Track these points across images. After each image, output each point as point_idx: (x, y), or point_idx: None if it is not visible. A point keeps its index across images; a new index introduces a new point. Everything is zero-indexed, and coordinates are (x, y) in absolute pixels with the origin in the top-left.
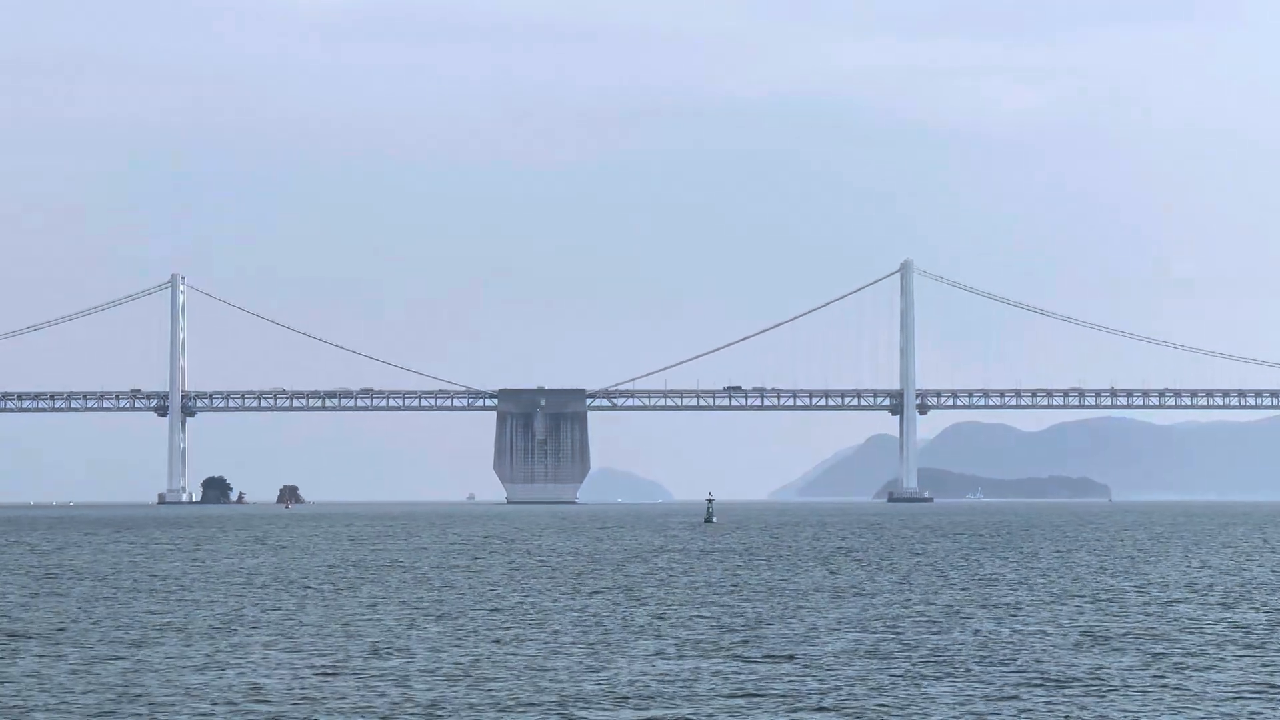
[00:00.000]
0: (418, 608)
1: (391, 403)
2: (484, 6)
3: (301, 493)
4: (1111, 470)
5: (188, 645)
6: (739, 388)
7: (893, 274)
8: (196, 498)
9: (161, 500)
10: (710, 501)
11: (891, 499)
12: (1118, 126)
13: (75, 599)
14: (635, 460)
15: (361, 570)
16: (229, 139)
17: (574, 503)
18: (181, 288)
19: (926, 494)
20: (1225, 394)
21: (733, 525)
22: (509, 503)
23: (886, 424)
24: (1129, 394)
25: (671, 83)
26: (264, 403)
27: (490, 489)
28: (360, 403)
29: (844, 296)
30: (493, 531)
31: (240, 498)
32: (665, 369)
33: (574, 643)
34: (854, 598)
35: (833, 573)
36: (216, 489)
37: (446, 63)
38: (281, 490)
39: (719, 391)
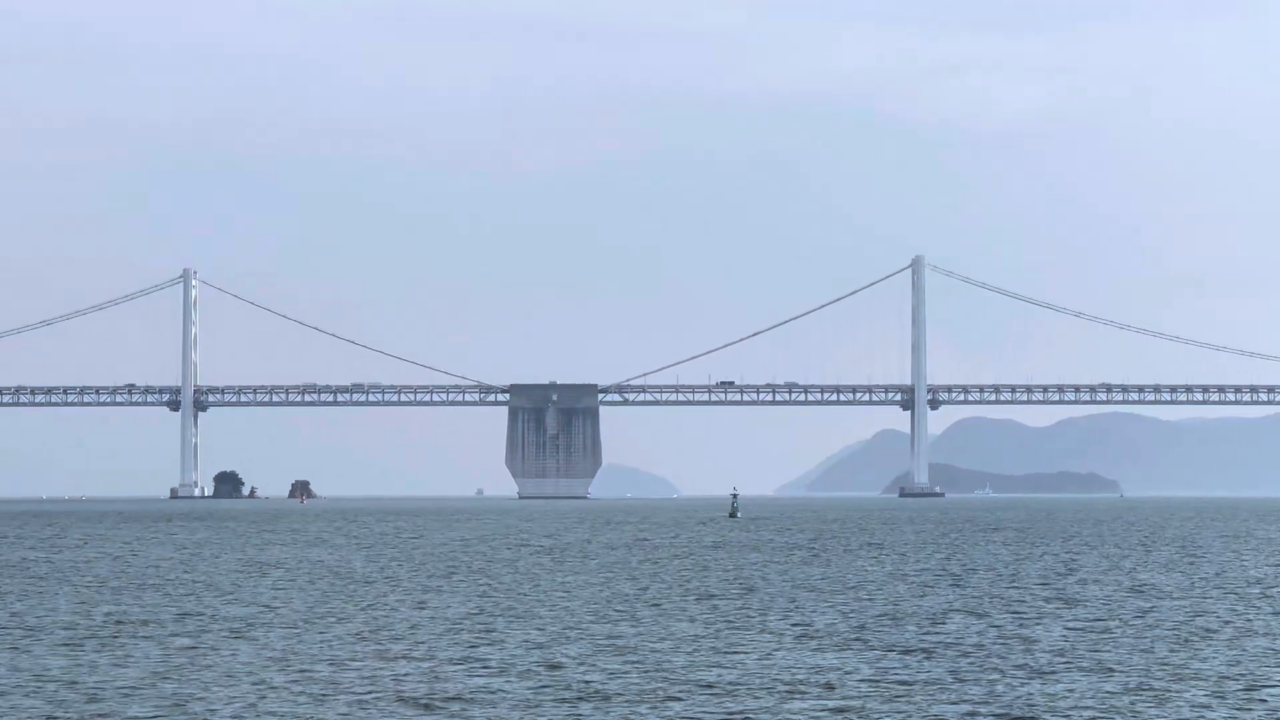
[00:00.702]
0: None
1: (404, 398)
2: (490, 4)
3: (313, 487)
4: (1118, 466)
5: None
6: (731, 383)
7: (904, 270)
8: (208, 492)
9: (174, 495)
10: (735, 496)
11: (903, 494)
12: (1126, 122)
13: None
14: (641, 456)
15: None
16: (241, 135)
17: (585, 498)
18: (194, 283)
19: (938, 489)
20: (1238, 389)
21: (760, 520)
22: (520, 498)
23: (893, 420)
24: (1140, 390)
25: (682, 80)
26: (275, 398)
27: (498, 484)
28: (372, 398)
29: (855, 292)
30: (581, 528)
31: (252, 492)
32: (677, 364)
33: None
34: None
35: (950, 566)
36: (228, 484)
37: (458, 60)
38: (293, 485)
39: (715, 386)
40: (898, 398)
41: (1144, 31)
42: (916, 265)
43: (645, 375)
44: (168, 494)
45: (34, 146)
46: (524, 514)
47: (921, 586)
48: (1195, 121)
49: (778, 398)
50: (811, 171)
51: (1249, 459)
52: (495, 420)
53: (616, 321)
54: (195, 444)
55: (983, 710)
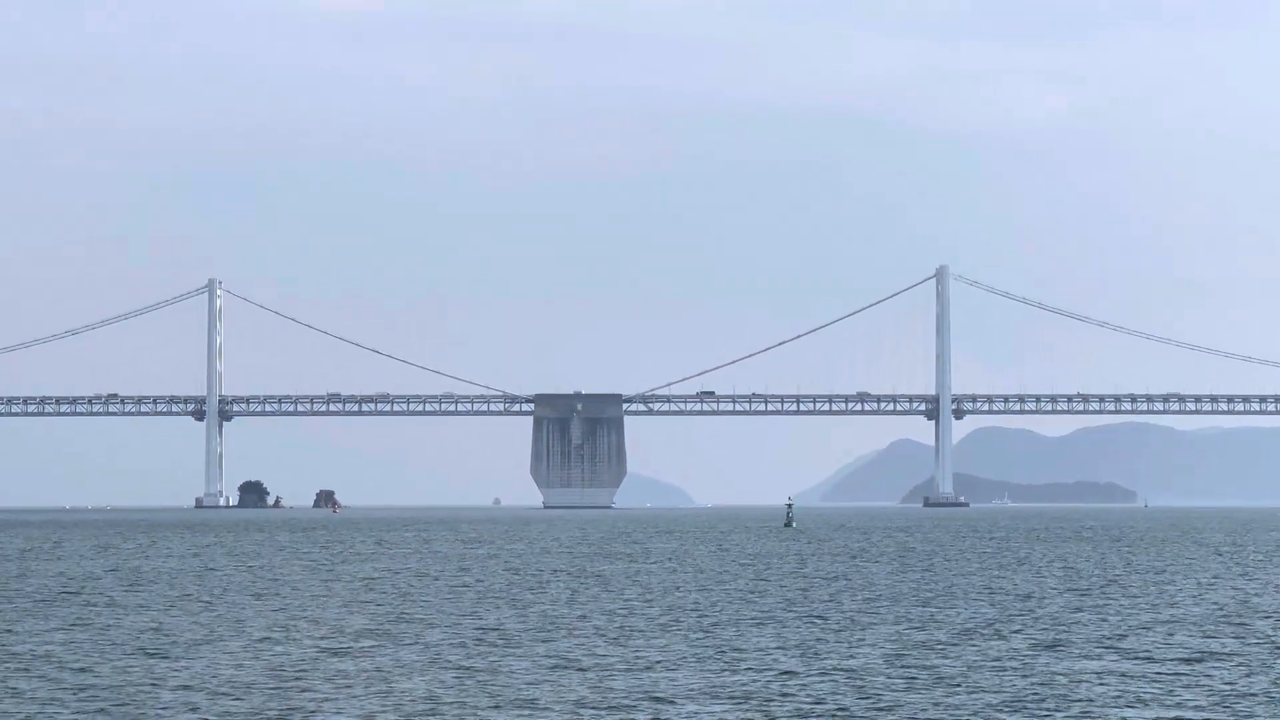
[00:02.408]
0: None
1: (428, 407)
2: (515, 15)
3: (337, 497)
4: (1134, 476)
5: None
6: (711, 392)
7: (928, 279)
8: (233, 502)
9: (199, 504)
10: (790, 506)
11: (927, 503)
12: (1145, 129)
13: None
14: (656, 465)
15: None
16: (267, 145)
17: (610, 507)
18: (219, 292)
19: (962, 499)
20: (1262, 399)
21: (816, 530)
22: (545, 507)
23: (907, 430)
24: (1164, 399)
25: (707, 87)
26: (300, 407)
27: (519, 494)
28: (397, 407)
29: (879, 302)
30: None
31: (277, 502)
32: (701, 374)
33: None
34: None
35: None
36: (254, 493)
37: (484, 68)
38: (318, 494)
39: (692, 397)
40: (922, 407)
41: (1162, 39)
42: (941, 275)
43: (669, 385)
44: (193, 504)
45: (59, 157)
46: (577, 524)
47: (1163, 600)
48: (1214, 129)
49: (802, 408)
50: (835, 180)
51: (1266, 469)
52: (517, 430)
53: (641, 331)
54: (220, 454)
55: None
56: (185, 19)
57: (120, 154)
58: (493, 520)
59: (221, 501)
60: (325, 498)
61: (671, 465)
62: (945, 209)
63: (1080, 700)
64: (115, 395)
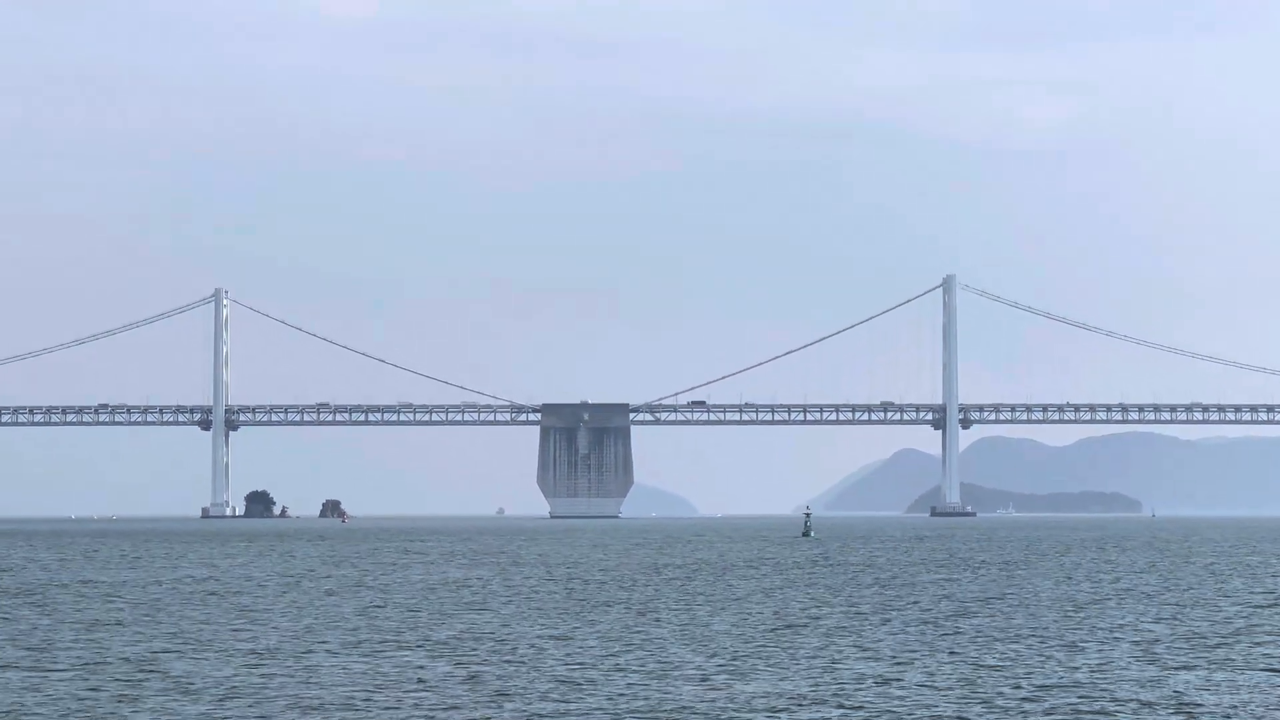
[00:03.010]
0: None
1: (435, 417)
2: (522, 24)
3: (344, 507)
4: (1138, 485)
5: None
6: (702, 403)
7: (934, 289)
8: (239, 512)
9: (205, 514)
10: (808, 515)
11: (934, 513)
12: (1152, 138)
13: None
14: (660, 475)
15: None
16: (273, 154)
17: (617, 517)
18: (225, 302)
19: (969, 508)
20: (1270, 409)
21: (832, 539)
22: (552, 517)
23: (911, 439)
24: (1172, 409)
25: (712, 96)
26: (307, 417)
27: (525, 503)
28: (404, 417)
29: (885, 312)
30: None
31: (283, 512)
32: (708, 383)
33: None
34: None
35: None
36: (260, 503)
37: (490, 77)
38: (324, 504)
39: (683, 407)
40: (929, 417)
41: (1167, 48)
42: (948, 284)
43: (676, 395)
44: (199, 514)
45: (64, 166)
46: (601, 533)
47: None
48: (1220, 137)
49: (809, 417)
50: (842, 189)
51: (1269, 478)
52: (523, 440)
53: (647, 340)
54: (226, 463)
55: None
56: (193, 28)
57: (125, 163)
58: (515, 532)
59: (228, 511)
60: (331, 508)
61: (674, 475)
62: (951, 218)
63: None
64: (122, 405)
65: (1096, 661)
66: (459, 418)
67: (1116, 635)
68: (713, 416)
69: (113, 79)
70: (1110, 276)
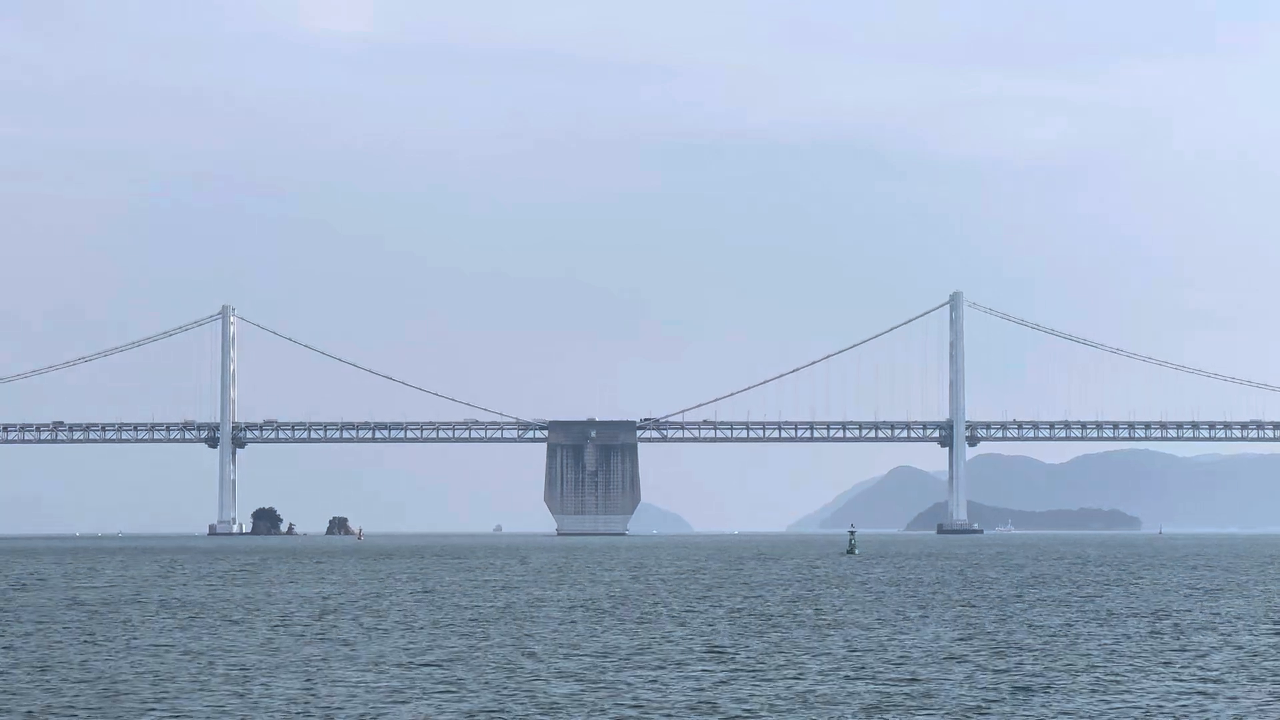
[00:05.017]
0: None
1: (442, 434)
2: (521, 47)
3: (350, 524)
4: (1136, 503)
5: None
6: (697, 423)
7: (941, 306)
8: (246, 529)
9: (212, 531)
10: (853, 533)
11: (941, 530)
12: (1158, 157)
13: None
14: (658, 492)
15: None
16: (279, 172)
17: (624, 534)
18: (232, 319)
19: (976, 526)
20: (1276, 426)
21: (878, 557)
22: (559, 534)
23: (908, 457)
24: (1179, 426)
25: (717, 115)
26: (314, 434)
27: (531, 521)
28: (410, 434)
29: (892, 329)
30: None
31: (290, 529)
32: (714, 401)
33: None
34: None
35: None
36: (267, 520)
37: (490, 97)
38: (331, 521)
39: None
40: (935, 434)
41: (1169, 66)
42: (955, 301)
43: (683, 412)
44: (206, 530)
45: (74, 184)
46: (629, 549)
47: None
48: (1223, 155)
49: (816, 434)
50: (849, 208)
51: (1266, 495)
52: (529, 457)
53: (654, 359)
54: (234, 480)
55: None
56: (202, 47)
57: (133, 181)
58: (568, 549)
59: (235, 529)
60: (339, 524)
61: (668, 492)
62: (952, 236)
63: None
64: (129, 422)
65: None
66: (465, 435)
67: None
68: (720, 434)
69: (120, 97)
70: (1105, 292)
